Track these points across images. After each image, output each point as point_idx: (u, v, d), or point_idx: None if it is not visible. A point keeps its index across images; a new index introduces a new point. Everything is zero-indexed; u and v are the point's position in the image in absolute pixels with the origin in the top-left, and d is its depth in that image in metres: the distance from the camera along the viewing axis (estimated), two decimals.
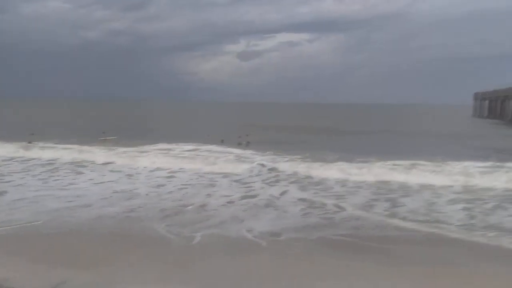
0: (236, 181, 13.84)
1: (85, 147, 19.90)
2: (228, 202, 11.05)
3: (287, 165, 15.79)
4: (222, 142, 23.23)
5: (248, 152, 19.07)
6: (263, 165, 15.63)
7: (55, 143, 21.59)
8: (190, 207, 10.53)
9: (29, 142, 21.57)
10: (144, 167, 16.06)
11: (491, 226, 9.14)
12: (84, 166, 16.31)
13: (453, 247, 7.99)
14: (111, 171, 15.48)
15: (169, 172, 15.16)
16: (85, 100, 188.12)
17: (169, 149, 20.16)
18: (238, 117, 63.40)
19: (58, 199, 11.10)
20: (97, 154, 18.38)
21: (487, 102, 68.79)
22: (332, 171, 14.63)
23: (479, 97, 73.03)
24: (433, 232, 8.80)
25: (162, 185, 13.19)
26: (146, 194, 11.87)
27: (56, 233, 8.34)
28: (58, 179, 13.89)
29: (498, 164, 15.63)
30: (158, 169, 15.81)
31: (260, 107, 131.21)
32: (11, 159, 17.87)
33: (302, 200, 11.34)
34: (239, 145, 22.77)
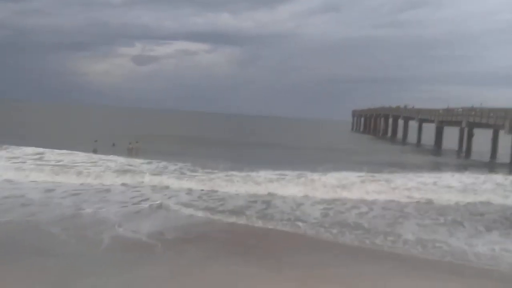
0: (124, 185, 13.88)
1: None
2: (122, 207, 11.18)
3: (176, 174, 15.93)
4: (113, 146, 23.10)
5: (138, 161, 18.51)
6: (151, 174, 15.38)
7: None
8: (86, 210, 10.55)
9: None
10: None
11: (338, 224, 10.66)
12: None
13: (316, 245, 9.05)
14: None
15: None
16: None
17: (41, 154, 18.36)
18: (131, 123, 60.98)
19: None
20: None
21: (362, 119, 76.95)
22: (219, 181, 15.06)
23: (356, 114, 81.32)
24: (301, 233, 9.87)
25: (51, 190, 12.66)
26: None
27: None
28: None
29: (370, 174, 17.83)
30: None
31: (155, 114, 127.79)
32: None
33: (187, 205, 11.77)
34: (128, 151, 22.25)
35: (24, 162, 16.49)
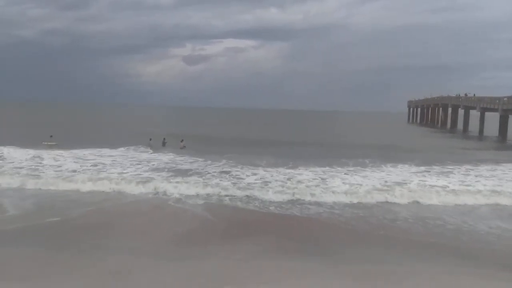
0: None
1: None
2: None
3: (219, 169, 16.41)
4: (163, 145, 24.68)
5: (183, 158, 19.23)
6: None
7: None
8: None
9: None
10: None
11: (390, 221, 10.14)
12: None
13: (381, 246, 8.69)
14: None
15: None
16: (19, 102, 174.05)
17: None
18: (181, 122, 62.58)
19: None
20: None
21: (419, 109, 73.74)
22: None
23: (412, 105, 78.08)
24: (354, 228, 9.70)
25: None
26: None
27: None
28: None
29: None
30: None
31: (205, 112, 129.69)
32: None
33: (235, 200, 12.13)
34: (180, 148, 23.50)
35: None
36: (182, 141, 25.06)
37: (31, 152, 19.16)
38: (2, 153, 18.87)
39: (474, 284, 6.66)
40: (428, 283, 6.64)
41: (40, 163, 16.98)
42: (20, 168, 15.78)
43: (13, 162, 16.86)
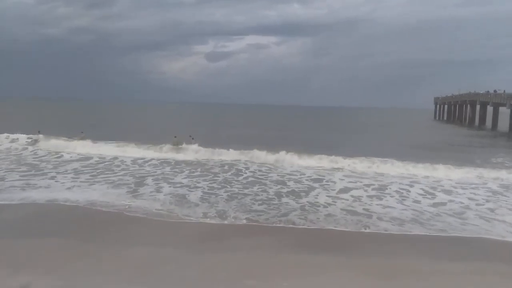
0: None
1: None
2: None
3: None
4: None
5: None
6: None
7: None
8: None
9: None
10: None
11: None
12: None
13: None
14: None
15: None
16: (45, 99, 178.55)
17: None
18: (201, 119, 63.03)
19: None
20: None
21: (446, 106, 71.97)
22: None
23: (439, 102, 76.25)
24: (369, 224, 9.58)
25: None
26: None
27: None
28: None
29: None
30: None
31: (226, 109, 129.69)
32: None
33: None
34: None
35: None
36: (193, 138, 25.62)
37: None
38: None
39: (500, 284, 6.53)
40: (451, 282, 6.53)
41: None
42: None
43: None
